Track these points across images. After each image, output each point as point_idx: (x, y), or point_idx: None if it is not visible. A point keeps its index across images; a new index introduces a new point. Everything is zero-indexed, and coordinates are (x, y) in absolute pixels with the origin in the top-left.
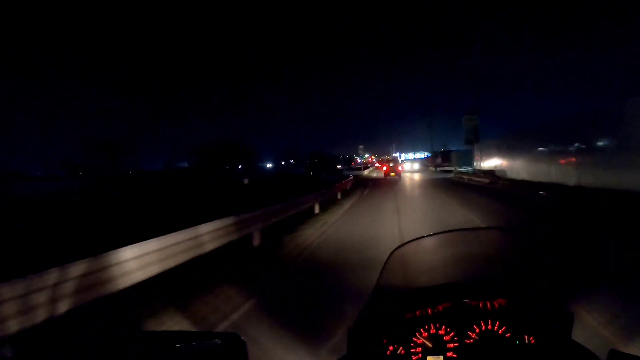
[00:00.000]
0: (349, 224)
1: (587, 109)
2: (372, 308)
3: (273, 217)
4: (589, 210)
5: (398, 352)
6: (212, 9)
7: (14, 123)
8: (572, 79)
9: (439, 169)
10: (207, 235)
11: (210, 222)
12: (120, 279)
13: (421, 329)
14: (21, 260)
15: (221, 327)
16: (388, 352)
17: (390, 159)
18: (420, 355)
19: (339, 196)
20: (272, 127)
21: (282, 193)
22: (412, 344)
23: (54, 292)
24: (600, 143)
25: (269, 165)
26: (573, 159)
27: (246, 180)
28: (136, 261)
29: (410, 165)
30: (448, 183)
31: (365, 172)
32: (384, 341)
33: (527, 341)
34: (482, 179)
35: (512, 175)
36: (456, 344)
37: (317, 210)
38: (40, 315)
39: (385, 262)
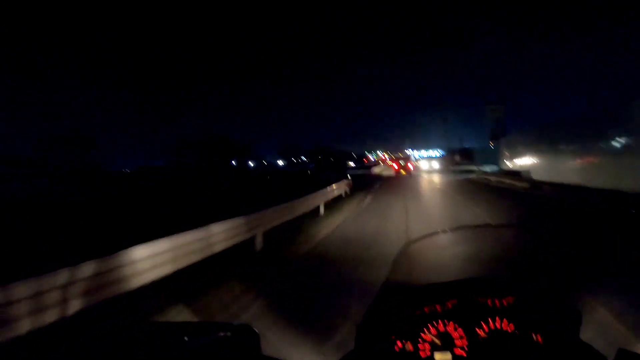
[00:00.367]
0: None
1: None
2: (381, 304)
3: None
4: None
5: (406, 348)
6: None
7: None
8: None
9: (458, 168)
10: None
11: (220, 222)
12: (133, 279)
13: (429, 325)
14: (26, 261)
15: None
16: (396, 348)
17: (403, 156)
18: (428, 352)
19: (321, 210)
20: (271, 122)
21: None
22: (420, 340)
23: (67, 291)
24: None
25: (280, 163)
26: None
27: (226, 183)
28: (149, 260)
29: (429, 164)
30: (476, 187)
31: (376, 170)
32: (392, 337)
33: (534, 339)
34: (515, 182)
35: (548, 176)
36: (464, 341)
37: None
38: (53, 316)
39: (395, 259)
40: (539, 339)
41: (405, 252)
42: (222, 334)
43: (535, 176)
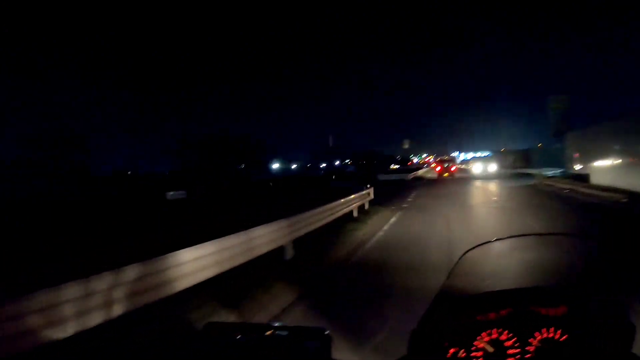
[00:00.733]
0: None
1: None
2: (435, 310)
3: None
4: None
5: (459, 355)
6: None
7: None
8: None
9: (513, 171)
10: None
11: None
12: (180, 281)
13: (483, 333)
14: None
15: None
16: (448, 355)
17: (448, 158)
18: None
19: (288, 252)
20: (299, 123)
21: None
22: (473, 348)
23: (116, 292)
24: None
25: (322, 165)
26: None
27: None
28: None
29: (483, 167)
30: (550, 201)
31: (419, 173)
32: (445, 344)
33: (587, 351)
34: (600, 192)
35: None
36: (517, 350)
37: None
38: (99, 318)
39: (455, 265)
40: (591, 351)
41: (462, 260)
42: (294, 335)
43: (620, 182)
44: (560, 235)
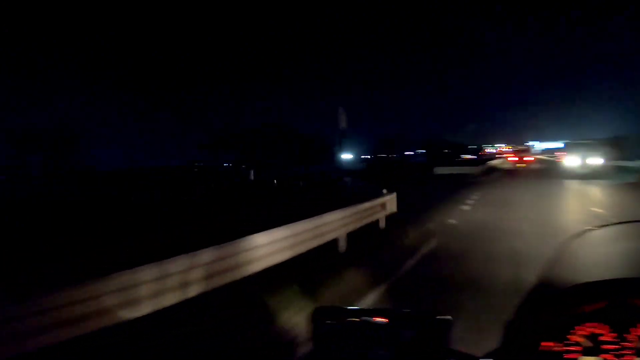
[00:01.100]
0: None
1: None
2: (530, 302)
3: None
4: None
5: (552, 348)
6: None
7: None
8: None
9: (605, 165)
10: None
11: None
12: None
13: (577, 327)
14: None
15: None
16: (542, 348)
17: (525, 148)
18: (575, 355)
19: None
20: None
21: None
22: (567, 342)
23: (196, 274)
24: None
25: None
26: None
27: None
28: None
29: (581, 161)
30: None
31: (491, 163)
32: (538, 336)
33: None
34: None
35: None
36: (615, 345)
37: None
38: (195, 290)
39: (555, 254)
40: None
41: (561, 249)
42: (422, 322)
43: None
44: None
